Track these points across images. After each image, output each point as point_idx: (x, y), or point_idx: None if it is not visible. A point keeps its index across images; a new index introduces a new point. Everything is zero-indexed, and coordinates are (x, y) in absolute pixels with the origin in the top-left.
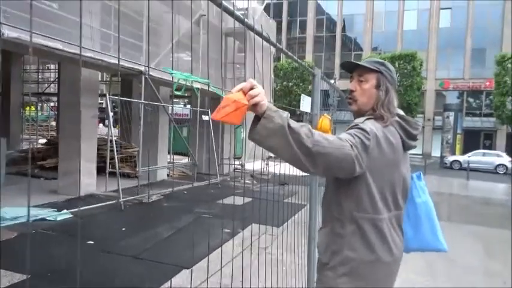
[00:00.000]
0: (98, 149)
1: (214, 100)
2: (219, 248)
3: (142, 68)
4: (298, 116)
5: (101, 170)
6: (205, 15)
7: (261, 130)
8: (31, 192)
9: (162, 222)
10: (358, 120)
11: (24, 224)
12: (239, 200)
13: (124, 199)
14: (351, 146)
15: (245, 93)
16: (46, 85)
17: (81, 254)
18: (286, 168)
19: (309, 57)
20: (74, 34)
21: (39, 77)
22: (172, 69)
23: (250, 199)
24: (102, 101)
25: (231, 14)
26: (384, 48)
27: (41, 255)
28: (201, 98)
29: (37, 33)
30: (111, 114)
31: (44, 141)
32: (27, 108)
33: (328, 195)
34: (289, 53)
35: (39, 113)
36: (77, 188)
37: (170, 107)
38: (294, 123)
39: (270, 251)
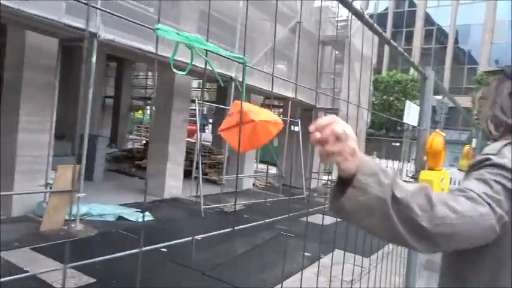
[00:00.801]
0: (190, 153)
1: (307, 112)
2: (296, 275)
3: (232, 74)
4: (398, 133)
5: (190, 174)
6: (301, 22)
7: (347, 204)
8: (122, 190)
9: (239, 235)
10: (491, 149)
11: (107, 223)
12: (325, 220)
13: (205, 206)
14: (491, 208)
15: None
16: (151, 90)
17: (151, 263)
18: None
19: (413, 70)
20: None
21: (148, 82)
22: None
23: (338, 220)
24: (204, 108)
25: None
26: (507, 62)
27: (113, 257)
28: (292, 107)
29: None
30: (209, 120)
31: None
32: (138, 111)
33: (446, 261)
34: (394, 44)
35: (147, 116)
36: (163, 190)
37: None
38: (401, 191)
39: (352, 285)
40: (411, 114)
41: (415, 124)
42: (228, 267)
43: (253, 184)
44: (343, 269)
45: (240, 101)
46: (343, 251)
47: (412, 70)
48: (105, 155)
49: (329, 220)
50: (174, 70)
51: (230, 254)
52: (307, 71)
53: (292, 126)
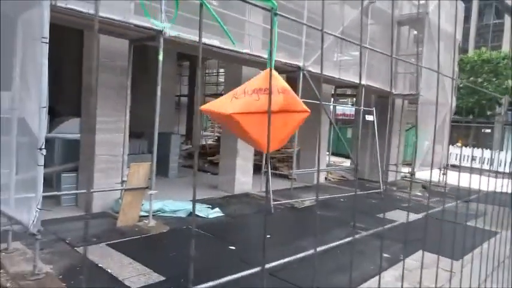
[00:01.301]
0: None
1: (383, 99)
2: (373, 279)
3: (300, 64)
4: (488, 118)
5: (261, 169)
6: (374, 2)
7: None
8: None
9: (310, 233)
10: None
11: (179, 219)
12: (405, 216)
13: (275, 202)
14: None
15: None
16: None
17: (221, 261)
18: (472, 180)
19: (506, 47)
20: (234, 32)
21: (219, 79)
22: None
23: (420, 216)
24: None
25: None
26: None
27: (183, 254)
28: (365, 95)
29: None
30: None
31: None
32: None
33: None
34: None
35: None
36: (234, 185)
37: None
38: None
39: None
40: None
41: None
42: (297, 268)
43: (326, 178)
44: (436, 274)
45: (269, 71)
46: (427, 253)
47: (503, 47)
48: (180, 151)
49: (410, 217)
50: (153, 21)
51: (301, 253)
52: (381, 55)
53: (366, 116)
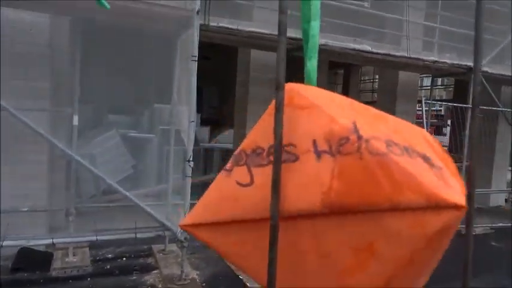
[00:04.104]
0: None
1: None
2: None
3: (472, 64)
4: None
5: None
6: None
7: None
8: None
9: (479, 270)
10: None
11: None
12: None
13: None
14: None
15: None
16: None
17: None
18: None
19: None
20: (390, 34)
21: (375, 86)
22: None
23: None
24: (441, 109)
25: None
26: None
27: None
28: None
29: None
30: (448, 121)
31: None
32: None
33: None
34: None
35: None
36: None
37: None
38: None
39: None
40: None
41: None
42: None
43: (506, 200)
44: None
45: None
46: None
47: None
48: None
49: None
50: None
51: None
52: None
53: None
